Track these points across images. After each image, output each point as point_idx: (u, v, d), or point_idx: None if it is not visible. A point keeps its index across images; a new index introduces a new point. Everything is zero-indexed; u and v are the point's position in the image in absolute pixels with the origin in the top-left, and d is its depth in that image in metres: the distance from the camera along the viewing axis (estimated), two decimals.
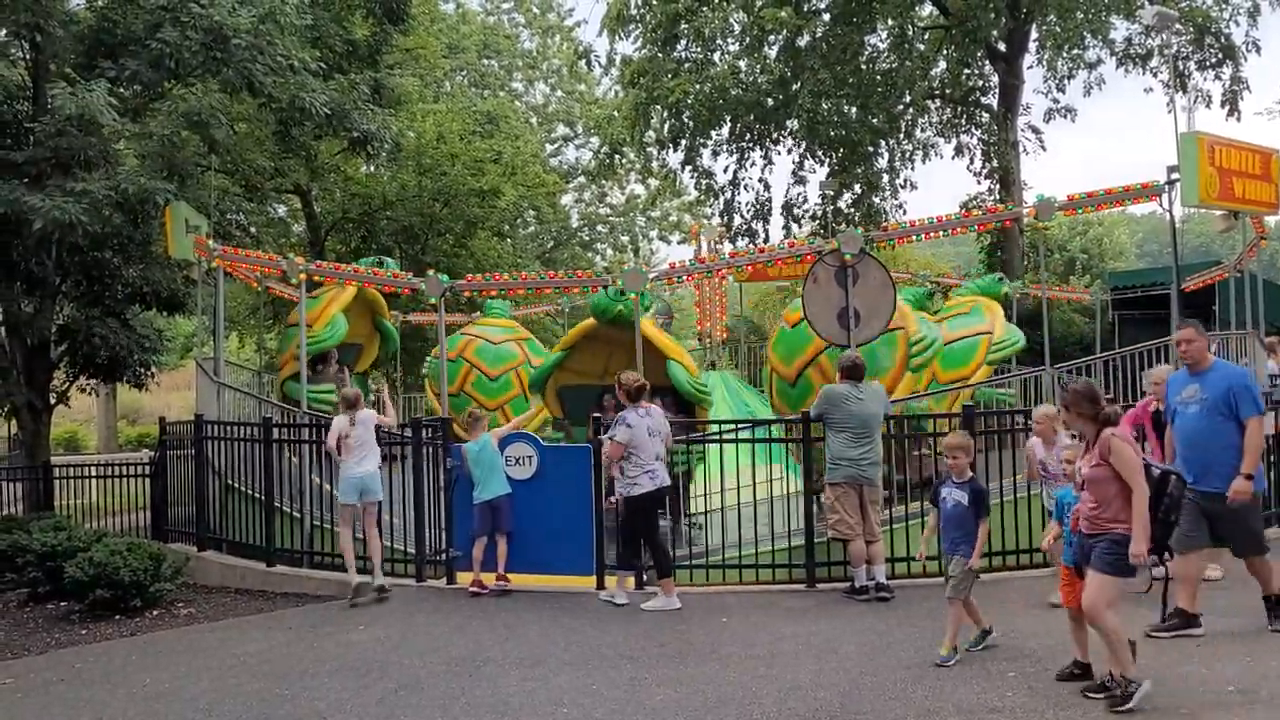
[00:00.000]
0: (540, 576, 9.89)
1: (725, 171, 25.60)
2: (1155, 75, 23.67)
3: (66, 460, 18.28)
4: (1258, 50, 22.64)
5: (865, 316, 11.12)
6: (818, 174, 25.57)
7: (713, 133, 24.56)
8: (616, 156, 29.63)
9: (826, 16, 23.02)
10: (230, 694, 6.93)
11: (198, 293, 14.83)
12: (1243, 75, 22.50)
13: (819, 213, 25.09)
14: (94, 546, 10.29)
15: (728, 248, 20.96)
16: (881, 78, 23.61)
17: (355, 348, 17.41)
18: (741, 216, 25.74)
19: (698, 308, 19.76)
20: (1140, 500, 5.59)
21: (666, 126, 24.12)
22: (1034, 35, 23.32)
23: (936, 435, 10.28)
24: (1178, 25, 19.88)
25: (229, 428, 12.14)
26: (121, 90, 13.12)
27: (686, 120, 23.76)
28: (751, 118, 23.94)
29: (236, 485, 11.87)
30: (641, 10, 23.79)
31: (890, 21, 22.88)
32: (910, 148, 25.68)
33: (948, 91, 24.89)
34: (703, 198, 28.00)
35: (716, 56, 24.14)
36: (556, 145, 36.15)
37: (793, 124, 24.03)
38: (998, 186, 23.47)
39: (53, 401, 15.33)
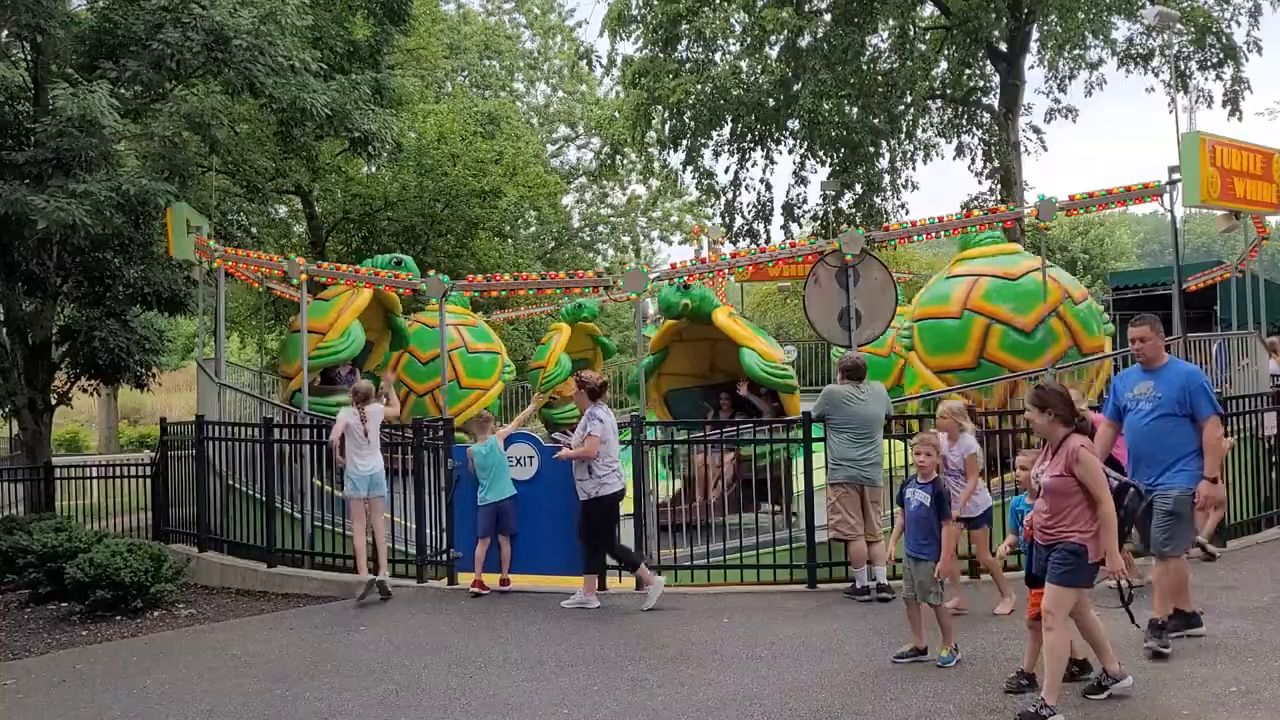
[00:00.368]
0: (541, 577, 9.88)
1: (726, 172, 25.63)
2: (1157, 75, 23.68)
3: (67, 461, 18.28)
4: (1259, 50, 22.64)
5: (866, 317, 11.13)
6: (819, 174, 25.61)
7: (714, 133, 24.57)
8: (618, 157, 29.66)
9: (827, 17, 23.03)
10: (231, 695, 6.93)
11: (199, 293, 14.83)
12: (1244, 75, 22.51)
13: (820, 213, 25.09)
14: (95, 547, 10.29)
15: (728, 248, 20.96)
16: (882, 78, 23.62)
17: (367, 345, 17.27)
18: (743, 217, 25.74)
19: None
20: (1110, 514, 5.43)
21: (667, 127, 24.14)
22: (1035, 35, 23.31)
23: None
24: (1179, 25, 19.89)
25: (230, 428, 12.14)
26: (123, 91, 13.11)
27: (687, 120, 23.78)
28: (753, 118, 23.95)
29: (237, 486, 11.87)
30: (642, 11, 23.80)
31: (891, 22, 22.92)
32: (911, 148, 25.70)
33: (949, 92, 24.88)
34: (704, 198, 28.01)
35: (717, 57, 24.16)
36: (558, 146, 36.14)
37: (794, 124, 24.05)
38: (999, 187, 23.46)
39: (54, 402, 15.34)
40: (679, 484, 11.28)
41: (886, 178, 25.11)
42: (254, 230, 21.38)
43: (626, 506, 9.62)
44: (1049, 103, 25.32)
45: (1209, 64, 22.55)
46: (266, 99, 13.57)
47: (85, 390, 16.70)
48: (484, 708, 6.34)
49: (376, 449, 9.83)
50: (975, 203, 24.03)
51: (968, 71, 24.75)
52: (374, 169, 23.48)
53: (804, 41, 22.61)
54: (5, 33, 13.37)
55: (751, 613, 8.41)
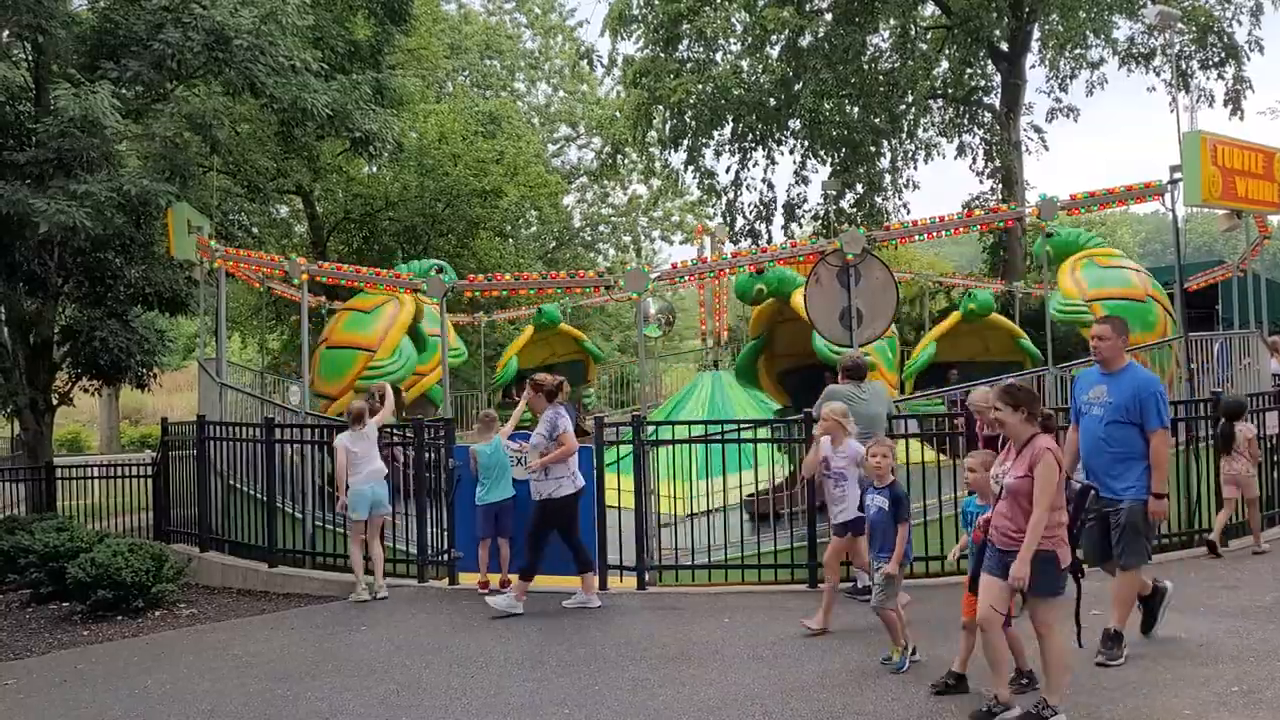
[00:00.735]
0: (542, 577, 9.86)
1: (727, 172, 25.64)
2: (1158, 74, 23.67)
3: (69, 461, 18.30)
4: (1260, 50, 22.63)
5: (868, 316, 11.12)
6: (820, 174, 25.61)
7: (715, 133, 24.59)
8: (618, 157, 29.67)
9: (828, 16, 23.03)
10: (233, 695, 6.92)
11: (200, 293, 14.84)
12: (1245, 74, 22.50)
13: (821, 212, 25.09)
14: (96, 547, 10.29)
15: (729, 248, 20.96)
16: (884, 77, 23.63)
17: None
18: (744, 217, 25.74)
19: (701, 307, 19.75)
20: (1039, 522, 5.23)
21: (668, 126, 24.15)
22: (1036, 35, 23.32)
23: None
24: (1180, 24, 19.88)
25: (231, 428, 12.14)
26: (124, 91, 13.12)
27: (688, 120, 23.79)
28: (754, 118, 23.96)
29: (239, 486, 11.87)
30: (643, 10, 23.82)
31: (892, 21, 22.93)
32: (912, 147, 25.71)
33: (950, 91, 24.88)
34: (705, 198, 28.01)
35: (718, 56, 24.18)
36: (559, 145, 36.16)
37: (795, 124, 24.06)
38: (1000, 186, 23.46)
39: (55, 402, 15.35)
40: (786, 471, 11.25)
41: (888, 177, 25.12)
42: (255, 230, 21.42)
43: (626, 507, 9.62)
44: (1050, 102, 25.42)
45: (1210, 63, 22.54)
46: (267, 99, 13.58)
47: (86, 390, 16.71)
48: (485, 708, 6.34)
49: (376, 465, 9.82)
50: (977, 202, 24.02)
51: (969, 71, 24.76)
52: (375, 169, 23.50)
53: (805, 41, 22.62)
54: (6, 33, 13.38)
55: (752, 613, 8.40)
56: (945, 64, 24.88)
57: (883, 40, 24.68)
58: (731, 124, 24.42)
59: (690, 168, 25.16)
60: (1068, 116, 24.94)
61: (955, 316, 18.02)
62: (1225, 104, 22.86)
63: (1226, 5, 22.57)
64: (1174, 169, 11.36)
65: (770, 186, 25.86)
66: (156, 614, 10.02)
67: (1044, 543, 5.28)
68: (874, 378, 13.46)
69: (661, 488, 10.14)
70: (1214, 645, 6.66)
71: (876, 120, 23.52)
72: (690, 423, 11.38)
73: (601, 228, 36.46)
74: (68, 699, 7.17)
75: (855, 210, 24.24)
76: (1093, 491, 5.64)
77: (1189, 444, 10.35)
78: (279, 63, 13.02)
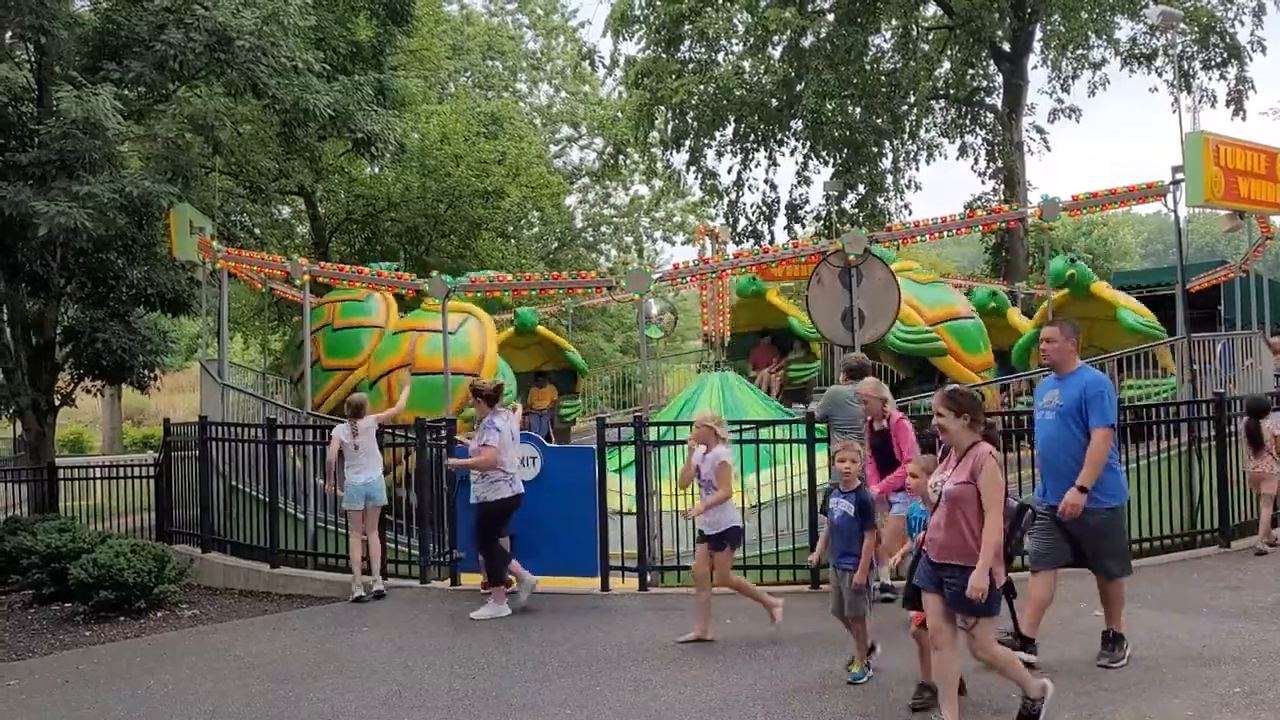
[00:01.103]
0: (545, 577, 9.87)
1: (729, 172, 25.64)
2: (1160, 75, 23.66)
3: (71, 462, 18.31)
4: (1263, 50, 22.61)
5: (870, 317, 11.12)
6: (822, 174, 25.58)
7: (717, 133, 24.59)
8: (620, 157, 29.66)
9: (830, 17, 23.03)
10: (235, 695, 6.93)
11: (202, 294, 14.84)
12: (1248, 75, 22.48)
13: (823, 213, 25.09)
14: (98, 548, 10.30)
15: (731, 248, 20.95)
16: (885, 78, 23.63)
17: None
18: (746, 218, 25.74)
19: (704, 308, 19.69)
20: (993, 530, 5.11)
21: (670, 127, 24.14)
22: (1038, 35, 23.31)
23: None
24: (1182, 25, 19.87)
25: (233, 429, 12.15)
26: (126, 92, 13.13)
27: (690, 121, 23.79)
28: (755, 118, 23.96)
29: (240, 486, 11.88)
30: (645, 11, 23.81)
31: (894, 22, 22.92)
32: (914, 148, 25.70)
33: (952, 92, 24.88)
34: (707, 198, 27.99)
35: (720, 57, 24.17)
36: (561, 146, 36.12)
37: (797, 124, 24.05)
38: (1002, 187, 23.45)
39: (58, 403, 15.37)
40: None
41: (889, 178, 25.11)
42: (257, 231, 21.43)
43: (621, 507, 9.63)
44: (1052, 103, 25.23)
45: (1212, 64, 22.52)
46: (269, 100, 13.59)
47: (89, 391, 16.73)
48: (487, 708, 6.34)
49: (373, 459, 9.84)
50: (979, 203, 24.01)
51: (971, 71, 24.76)
52: (377, 170, 23.49)
53: (807, 41, 22.62)
54: (9, 34, 13.40)
55: (754, 613, 8.38)
56: (947, 64, 24.88)
57: (885, 41, 24.67)
58: (733, 124, 24.42)
59: (692, 168, 25.16)
60: (1070, 117, 24.95)
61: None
62: (1227, 104, 22.87)
63: (1229, 5, 22.55)
64: (1176, 169, 11.35)
65: (772, 187, 25.89)
66: (158, 615, 10.02)
67: (973, 557, 5.15)
68: (944, 362, 13.61)
69: (664, 488, 10.14)
70: (1216, 646, 6.65)
71: (878, 121, 23.52)
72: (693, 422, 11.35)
73: (603, 228, 36.42)
74: (70, 699, 7.18)
75: (857, 211, 24.23)
76: (1029, 510, 5.53)
77: (1191, 445, 10.35)
78: (281, 63, 13.03)
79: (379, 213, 23.15)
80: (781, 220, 25.72)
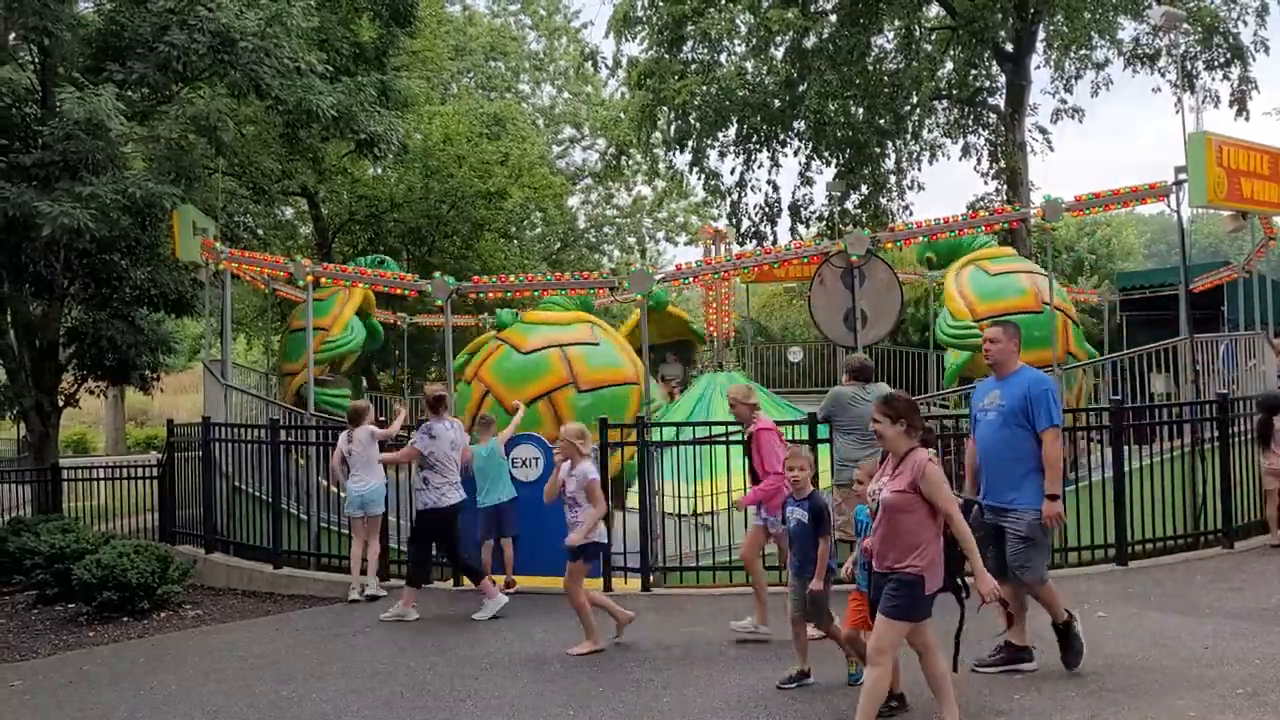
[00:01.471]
0: (547, 579, 9.88)
1: (732, 173, 25.59)
2: (1163, 75, 23.60)
3: (74, 462, 18.33)
4: (1266, 50, 22.53)
5: (872, 317, 11.12)
6: (824, 175, 25.53)
7: (719, 134, 24.53)
8: (623, 158, 29.63)
9: (833, 17, 22.99)
10: (237, 696, 6.94)
11: (205, 295, 14.86)
12: (1251, 75, 22.40)
13: (826, 214, 25.07)
14: (102, 549, 10.32)
15: (734, 249, 20.94)
16: (888, 78, 23.58)
17: None
18: (749, 219, 25.71)
19: (709, 308, 19.68)
20: (962, 525, 5.08)
21: (673, 128, 24.09)
22: (1041, 35, 23.25)
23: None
24: (1185, 25, 19.84)
25: (236, 430, 12.16)
26: (129, 93, 13.15)
27: (693, 121, 23.74)
28: (758, 119, 23.90)
29: (243, 487, 11.90)
30: (648, 12, 23.77)
31: (897, 22, 22.87)
32: (917, 148, 25.62)
33: (954, 92, 24.83)
34: (709, 199, 27.96)
35: (723, 58, 24.11)
36: (563, 147, 36.15)
37: (799, 125, 24.00)
38: (1005, 187, 23.41)
39: (61, 404, 15.39)
40: None
41: (892, 178, 25.07)
42: (260, 232, 21.44)
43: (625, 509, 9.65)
44: (1055, 103, 25.15)
45: (1216, 64, 22.45)
46: (273, 101, 13.61)
47: (92, 392, 16.76)
48: (489, 709, 6.34)
49: (370, 469, 9.87)
50: (981, 203, 23.98)
51: (973, 72, 24.70)
52: (380, 171, 23.51)
53: (809, 42, 22.58)
54: (13, 35, 13.41)
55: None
56: (950, 65, 24.81)
57: (887, 41, 24.61)
58: (736, 125, 24.36)
59: (695, 169, 25.12)
60: (1072, 117, 24.87)
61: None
62: (1231, 105, 22.78)
63: (1232, 5, 22.48)
64: (1179, 170, 11.34)
65: (775, 188, 25.84)
66: (162, 615, 10.04)
67: (915, 565, 5.06)
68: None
69: (668, 489, 10.15)
70: (1220, 647, 6.65)
71: (881, 121, 23.47)
72: (698, 423, 11.38)
73: (606, 229, 36.45)
74: (73, 700, 7.19)
75: (860, 211, 24.20)
76: (976, 506, 5.48)
77: (1195, 446, 10.34)
78: (284, 64, 13.05)
79: (382, 213, 23.17)
80: (785, 221, 25.70)
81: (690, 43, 23.65)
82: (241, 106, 15.17)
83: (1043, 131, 25.20)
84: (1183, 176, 11.29)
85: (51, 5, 12.44)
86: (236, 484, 11.99)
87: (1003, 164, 23.45)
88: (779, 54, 23.41)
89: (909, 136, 25.04)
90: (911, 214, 25.20)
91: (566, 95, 36.75)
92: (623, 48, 25.15)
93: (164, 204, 12.71)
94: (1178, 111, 23.25)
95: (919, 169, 26.33)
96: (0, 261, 13.47)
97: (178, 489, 13.37)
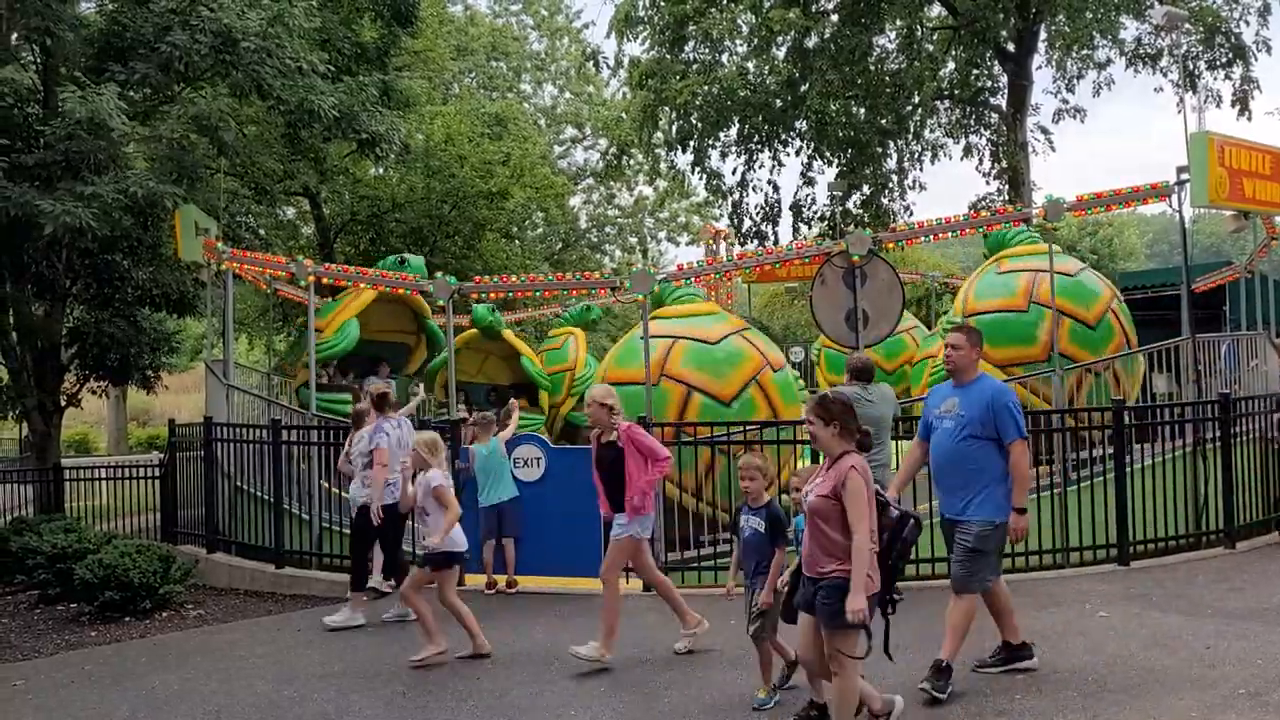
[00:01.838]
0: (548, 579, 9.89)
1: (734, 173, 25.58)
2: (1165, 75, 23.60)
3: (77, 462, 18.35)
4: (1268, 50, 22.53)
5: (874, 318, 11.12)
6: (826, 175, 25.53)
7: (721, 134, 24.52)
8: (624, 158, 29.63)
9: (835, 17, 22.98)
10: (240, 695, 6.94)
11: (207, 295, 14.87)
12: (1253, 75, 22.40)
13: (827, 214, 25.06)
14: (104, 548, 10.33)
15: (736, 249, 20.95)
16: (890, 78, 23.57)
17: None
18: (750, 218, 25.71)
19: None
20: (862, 547, 4.85)
21: (675, 128, 24.10)
22: (1043, 35, 23.24)
23: None
24: (1187, 25, 19.83)
25: (238, 430, 12.17)
26: (131, 93, 13.17)
27: (695, 121, 23.74)
28: (760, 119, 23.90)
29: (245, 487, 11.90)
30: (649, 12, 23.77)
31: (899, 22, 22.86)
32: (919, 148, 25.62)
33: (956, 92, 24.82)
34: (711, 199, 27.95)
35: (724, 58, 24.11)
36: (565, 147, 36.16)
37: (801, 125, 24.00)
38: (1007, 187, 23.40)
39: (63, 404, 15.40)
40: None
41: (894, 178, 25.06)
42: (262, 232, 21.47)
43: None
44: (1057, 103, 25.17)
45: (1218, 63, 22.44)
46: (274, 101, 13.63)
47: (94, 392, 16.77)
48: (491, 709, 6.34)
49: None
50: (983, 203, 23.97)
51: (975, 72, 24.69)
52: (382, 171, 23.51)
53: (811, 42, 22.58)
54: (15, 35, 13.42)
55: None
56: (951, 65, 24.81)
57: (889, 41, 24.61)
58: (737, 125, 24.36)
59: (696, 169, 25.13)
60: (1074, 117, 24.90)
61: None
62: (1233, 104, 22.79)
63: (1234, 5, 22.48)
64: (1181, 170, 11.33)
65: (776, 188, 25.84)
66: (164, 615, 10.05)
67: (843, 571, 4.93)
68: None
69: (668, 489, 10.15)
70: (1221, 647, 6.64)
71: (883, 121, 23.47)
72: (698, 424, 11.39)
73: (608, 229, 36.46)
74: (75, 700, 7.20)
75: (862, 211, 24.20)
76: (912, 520, 5.25)
77: (1196, 446, 10.34)
78: (286, 65, 13.06)
79: (384, 213, 23.16)
80: (786, 220, 25.70)
81: (692, 43, 23.65)
82: (243, 106, 15.19)
83: (1044, 131, 25.22)
84: (1185, 176, 11.28)
85: (53, 5, 12.46)
86: (239, 484, 11.99)
87: (1004, 164, 23.44)
88: (780, 54, 23.40)
89: (910, 136, 25.04)
90: (913, 214, 25.22)
91: (568, 95, 36.76)
92: (624, 48, 25.20)
93: (166, 204, 12.73)
94: (1180, 111, 23.26)
95: (921, 169, 26.37)
96: (2, 261, 13.49)
97: (180, 489, 13.37)
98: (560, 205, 29.50)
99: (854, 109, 23.68)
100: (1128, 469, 9.63)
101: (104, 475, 15.51)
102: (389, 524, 9.03)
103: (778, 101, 23.23)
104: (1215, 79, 22.72)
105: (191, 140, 14.15)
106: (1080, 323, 12.73)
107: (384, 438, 8.97)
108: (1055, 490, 10.12)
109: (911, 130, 24.81)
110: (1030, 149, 23.78)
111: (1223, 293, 16.97)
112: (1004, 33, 22.22)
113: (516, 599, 9.55)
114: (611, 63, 26.28)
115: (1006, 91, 23.79)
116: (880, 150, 24.10)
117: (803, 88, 22.30)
